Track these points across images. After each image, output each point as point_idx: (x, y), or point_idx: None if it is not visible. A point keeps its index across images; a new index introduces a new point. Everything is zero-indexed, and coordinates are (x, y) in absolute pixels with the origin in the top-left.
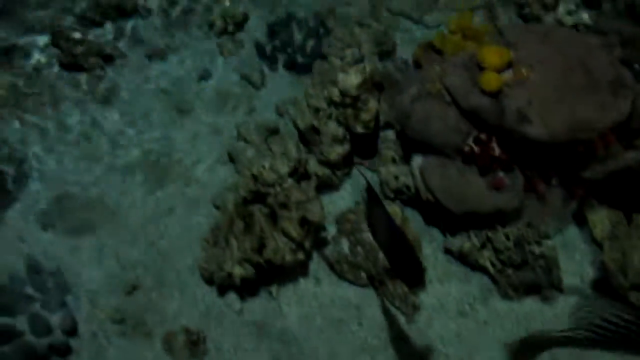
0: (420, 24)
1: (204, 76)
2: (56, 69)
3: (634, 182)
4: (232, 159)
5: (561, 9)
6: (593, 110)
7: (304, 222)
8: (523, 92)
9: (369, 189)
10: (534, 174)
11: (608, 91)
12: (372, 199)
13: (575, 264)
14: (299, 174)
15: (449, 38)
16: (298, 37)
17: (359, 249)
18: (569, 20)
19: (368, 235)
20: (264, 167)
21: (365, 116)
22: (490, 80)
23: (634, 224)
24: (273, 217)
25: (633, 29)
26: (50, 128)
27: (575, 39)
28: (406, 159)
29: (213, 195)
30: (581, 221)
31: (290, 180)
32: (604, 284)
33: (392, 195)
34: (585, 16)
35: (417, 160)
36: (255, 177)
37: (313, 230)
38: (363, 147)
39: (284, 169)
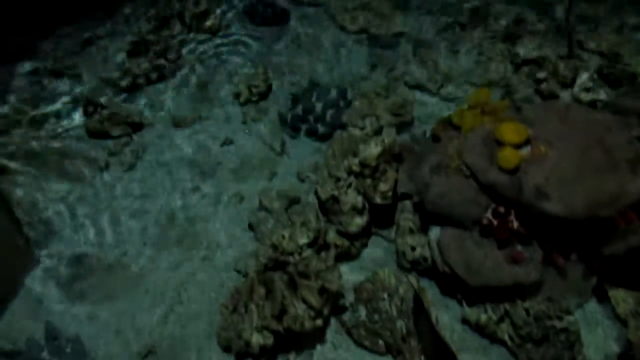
0: (437, 96)
1: (227, 143)
2: (84, 133)
3: None
4: (252, 226)
5: (578, 85)
6: (612, 188)
7: (322, 290)
8: (541, 169)
9: (416, 298)
10: (553, 249)
11: (627, 169)
12: (419, 310)
13: (599, 339)
14: (319, 244)
15: (467, 113)
16: (319, 106)
17: (377, 316)
18: (585, 97)
19: (385, 304)
20: (283, 236)
21: (383, 187)
22: (509, 157)
23: None
24: (293, 285)
25: None
26: (75, 191)
27: (594, 118)
28: (424, 230)
29: (234, 261)
30: (602, 297)
31: (309, 250)
32: None
33: (408, 266)
34: (602, 93)
35: (435, 232)
36: (275, 246)
37: (332, 298)
38: (381, 216)
39: (304, 239)
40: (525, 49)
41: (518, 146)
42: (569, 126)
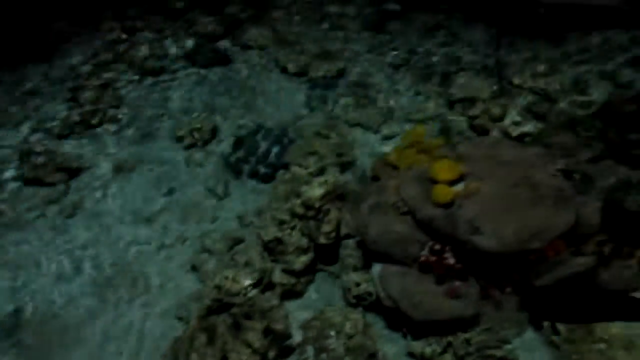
0: (377, 135)
1: (170, 187)
2: (20, 183)
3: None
4: (196, 268)
5: (507, 120)
6: (538, 222)
7: (268, 331)
8: (474, 204)
9: None
10: (489, 283)
11: (552, 203)
12: None
13: None
14: (264, 283)
15: (403, 152)
16: (262, 147)
17: (324, 355)
18: (514, 130)
19: (332, 342)
20: (227, 277)
21: (327, 228)
22: (442, 193)
23: (587, 329)
24: (237, 327)
25: (572, 140)
26: (10, 241)
27: (521, 153)
28: (367, 267)
29: (176, 306)
30: (538, 325)
31: (254, 290)
32: None
33: (354, 302)
34: (529, 127)
35: (377, 268)
36: (219, 287)
37: (278, 339)
38: (326, 253)
39: (248, 279)
40: (458, 88)
41: (452, 182)
42: (499, 162)
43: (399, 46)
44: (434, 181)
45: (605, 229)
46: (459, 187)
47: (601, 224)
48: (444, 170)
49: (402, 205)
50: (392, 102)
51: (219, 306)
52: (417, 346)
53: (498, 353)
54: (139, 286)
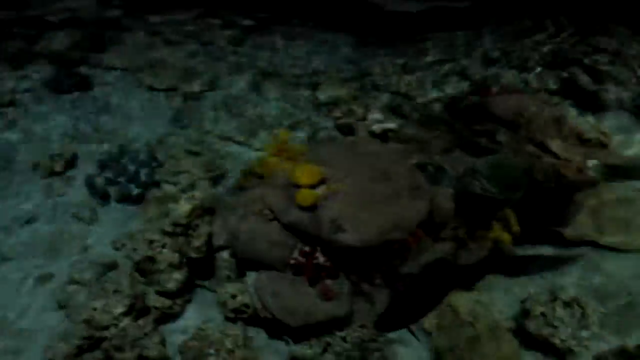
0: (247, 146)
1: (30, 220)
2: None
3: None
4: (63, 305)
5: (370, 118)
6: (397, 214)
7: None
8: (335, 204)
9: None
10: (359, 278)
11: (408, 195)
12: None
13: (413, 350)
14: (137, 309)
15: (267, 161)
16: (130, 170)
17: None
18: (377, 129)
19: None
20: (95, 309)
21: (197, 242)
22: (305, 197)
23: (454, 312)
24: None
25: (427, 134)
26: None
27: (378, 150)
28: (242, 276)
29: (43, 351)
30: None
31: (127, 319)
32: None
33: (232, 316)
34: (391, 124)
35: (251, 277)
36: (88, 322)
37: None
38: (201, 269)
39: (119, 308)
40: (323, 92)
41: (315, 185)
42: (357, 161)
43: (266, 57)
44: (298, 186)
45: (459, 214)
46: (322, 189)
47: (455, 210)
48: (305, 174)
49: (269, 213)
50: (261, 112)
51: (90, 344)
52: (299, 350)
53: (373, 346)
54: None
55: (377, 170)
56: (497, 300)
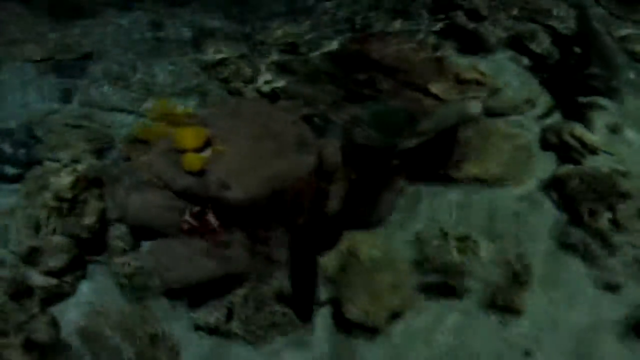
0: (134, 114)
1: None
2: None
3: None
4: None
5: (260, 80)
6: (284, 168)
7: (30, 345)
8: (222, 165)
9: None
10: (253, 233)
11: (295, 149)
12: None
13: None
14: (19, 291)
15: (151, 127)
16: (7, 150)
17: (104, 354)
18: (266, 88)
19: (110, 337)
20: None
21: (88, 220)
22: (191, 161)
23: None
24: None
25: (315, 89)
26: None
27: (262, 108)
28: (136, 247)
29: None
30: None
31: (8, 302)
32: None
33: (127, 282)
34: (281, 83)
35: (146, 246)
36: None
37: (46, 350)
38: (92, 245)
39: None
40: (210, 55)
41: (200, 149)
42: (241, 121)
43: (146, 22)
44: (183, 151)
45: (347, 163)
46: (208, 151)
47: (343, 160)
48: (188, 138)
49: (158, 180)
50: (148, 79)
51: None
52: (201, 317)
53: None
54: None
55: (264, 128)
56: None
